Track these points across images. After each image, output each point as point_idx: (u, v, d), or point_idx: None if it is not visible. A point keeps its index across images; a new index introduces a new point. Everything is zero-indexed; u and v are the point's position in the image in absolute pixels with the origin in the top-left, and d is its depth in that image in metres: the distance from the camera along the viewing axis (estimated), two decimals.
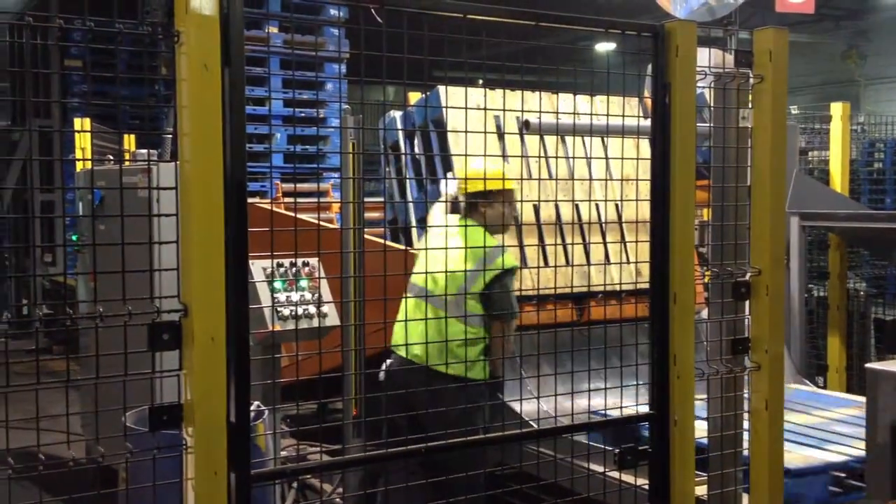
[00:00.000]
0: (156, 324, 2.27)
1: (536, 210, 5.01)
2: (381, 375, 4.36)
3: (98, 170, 6.03)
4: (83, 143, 7.19)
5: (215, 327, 2.28)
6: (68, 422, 2.23)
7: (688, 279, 2.99)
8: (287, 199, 7.45)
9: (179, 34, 2.21)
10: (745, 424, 3.24)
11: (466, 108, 2.94)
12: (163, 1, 2.16)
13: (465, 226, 4.34)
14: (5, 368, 2.28)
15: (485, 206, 4.41)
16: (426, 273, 4.08)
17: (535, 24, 2.74)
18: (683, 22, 2.94)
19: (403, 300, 4.07)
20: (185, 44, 2.21)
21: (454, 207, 4.63)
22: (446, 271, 3.46)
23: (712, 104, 3.20)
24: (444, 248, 3.62)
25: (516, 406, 4.14)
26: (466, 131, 2.96)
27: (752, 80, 3.14)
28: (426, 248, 3.65)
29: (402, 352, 4.30)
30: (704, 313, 4.35)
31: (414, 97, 6.29)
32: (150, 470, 2.35)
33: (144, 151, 5.31)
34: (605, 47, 17.08)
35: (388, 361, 4.43)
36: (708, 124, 3.33)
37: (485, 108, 3.24)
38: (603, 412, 3.35)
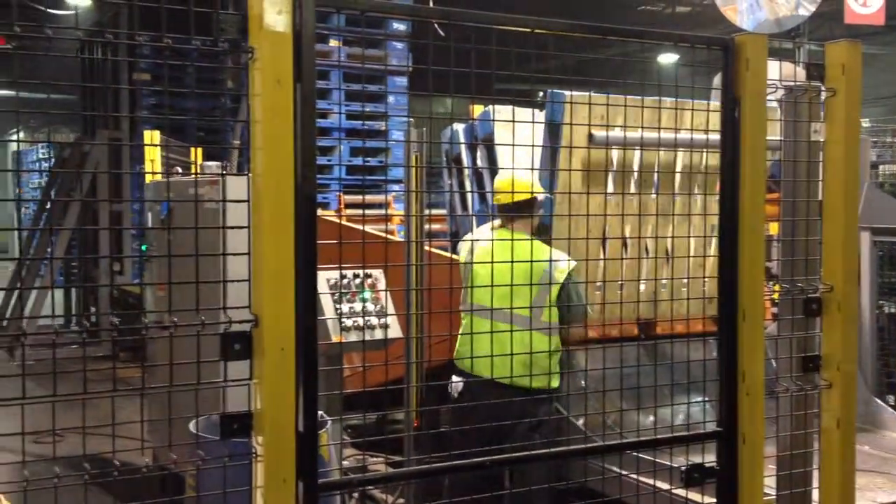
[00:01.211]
0: (228, 334, 2.31)
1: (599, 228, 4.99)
2: (453, 392, 4.38)
3: (166, 182, 6.16)
4: (152, 156, 7.35)
5: (285, 338, 2.31)
6: (143, 429, 2.27)
7: (757, 295, 2.95)
8: (350, 212, 7.52)
9: (253, 50, 2.25)
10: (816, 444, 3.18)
11: (527, 123, 2.94)
12: (237, 18, 2.19)
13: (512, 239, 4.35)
14: (82, 375, 2.33)
15: (528, 216, 4.50)
16: (487, 287, 4.08)
17: (603, 37, 2.74)
18: (754, 35, 2.92)
19: (468, 316, 4.11)
20: (258, 60, 2.25)
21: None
22: (521, 284, 3.46)
23: (783, 117, 3.15)
24: (509, 261, 3.62)
25: (578, 420, 4.12)
26: (533, 145, 2.96)
27: (823, 94, 3.09)
28: (491, 262, 3.62)
29: (472, 369, 4.29)
30: (770, 329, 4.29)
31: (477, 110, 6.31)
32: (215, 477, 2.38)
33: (213, 164, 5.40)
34: (667, 58, 16.97)
35: (458, 380, 4.42)
36: (777, 137, 3.28)
37: (533, 122, 3.23)
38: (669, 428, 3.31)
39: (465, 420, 3.52)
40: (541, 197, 4.60)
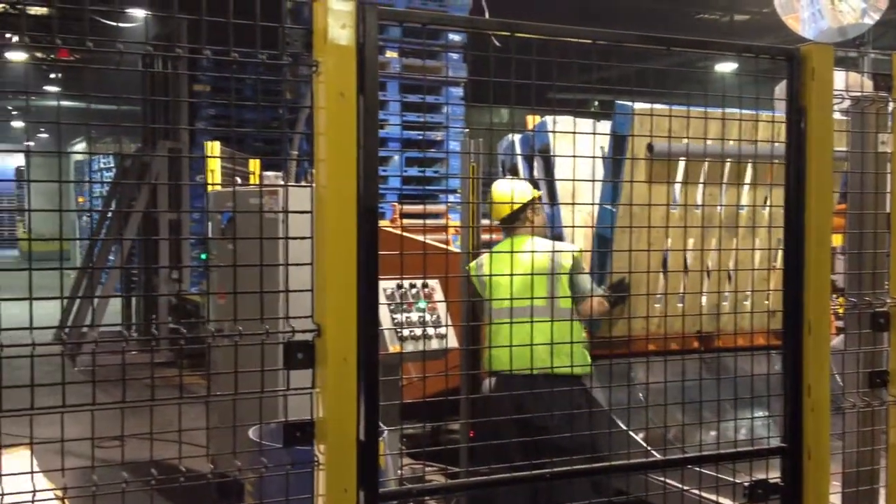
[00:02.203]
0: (291, 343, 2.33)
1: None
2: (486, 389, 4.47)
3: (227, 191, 6.25)
4: (212, 166, 7.46)
5: (347, 347, 2.33)
6: (208, 437, 2.31)
7: (823, 308, 2.90)
8: (405, 222, 7.55)
9: (318, 64, 2.28)
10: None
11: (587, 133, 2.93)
12: (302, 32, 2.22)
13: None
14: (142, 382, 2.37)
15: (528, 219, 4.79)
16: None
17: (666, 48, 2.72)
18: (820, 45, 2.87)
19: (497, 326, 4.19)
20: (322, 73, 2.28)
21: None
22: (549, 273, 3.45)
23: (849, 128, 3.10)
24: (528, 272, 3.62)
25: (638, 434, 4.08)
26: (595, 157, 2.94)
27: (891, 105, 3.03)
28: (511, 274, 3.75)
29: (501, 366, 4.38)
30: (835, 343, 4.21)
31: (532, 121, 6.30)
32: (275, 484, 2.40)
33: (272, 174, 5.47)
34: (724, 68, 16.78)
35: (490, 381, 4.58)
36: (843, 149, 3.23)
37: (593, 133, 3.21)
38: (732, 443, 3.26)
39: (516, 421, 3.56)
40: (527, 199, 4.83)
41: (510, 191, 4.82)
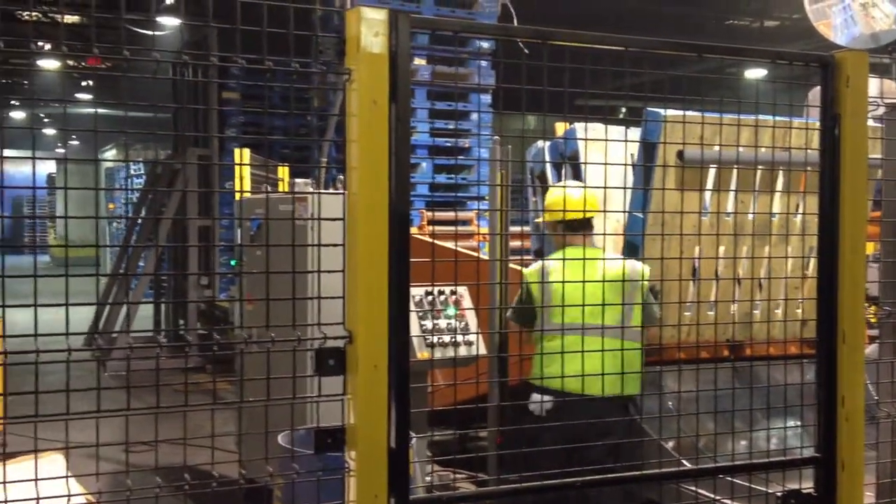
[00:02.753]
0: (323, 349, 2.34)
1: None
2: (536, 409, 4.36)
3: (256, 198, 6.28)
4: (242, 173, 7.51)
5: (379, 354, 2.33)
6: (240, 442, 2.32)
7: (858, 317, 2.87)
8: (432, 228, 7.56)
9: (350, 72, 2.29)
10: None
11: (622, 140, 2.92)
12: (334, 41, 2.23)
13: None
14: (171, 387, 2.39)
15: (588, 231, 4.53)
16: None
17: (699, 55, 2.71)
18: (854, 52, 2.84)
19: (556, 337, 4.11)
20: (355, 81, 2.29)
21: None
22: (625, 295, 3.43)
23: (884, 135, 3.07)
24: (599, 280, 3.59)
25: (668, 443, 4.06)
26: (626, 164, 2.93)
27: None
28: (584, 281, 3.53)
29: (563, 387, 4.23)
30: (867, 352, 4.16)
31: (561, 128, 6.28)
32: (303, 490, 2.41)
33: (301, 181, 5.49)
34: (753, 74, 16.67)
35: (542, 397, 4.38)
36: (878, 156, 3.20)
37: (625, 140, 3.20)
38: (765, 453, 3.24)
39: (557, 438, 3.50)
40: (600, 207, 4.59)
41: (586, 195, 4.42)
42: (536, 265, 4.69)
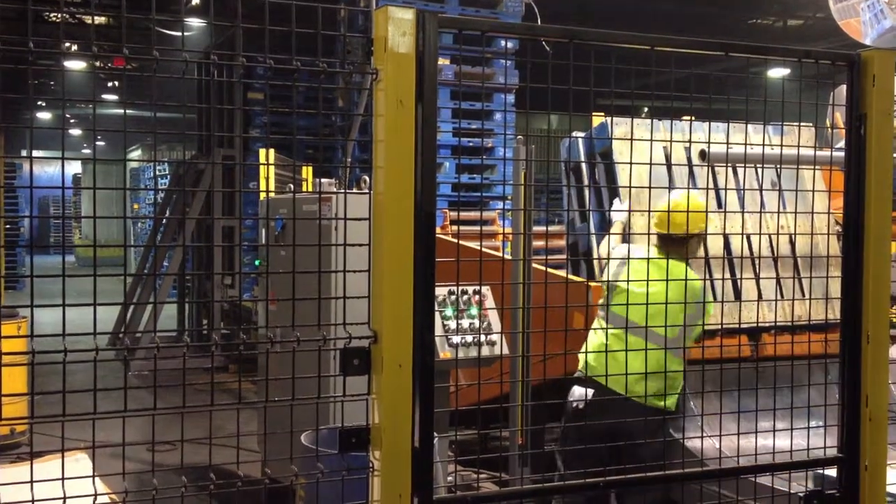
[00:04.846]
0: (348, 349, 2.36)
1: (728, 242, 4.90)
2: (579, 405, 4.37)
3: (281, 198, 6.32)
4: (266, 173, 7.54)
5: (403, 354, 2.34)
6: (264, 442, 2.33)
7: (882, 317, 2.85)
8: (454, 228, 7.57)
9: (378, 72, 2.30)
10: None
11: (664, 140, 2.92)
12: (361, 41, 2.24)
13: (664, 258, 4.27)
14: (192, 386, 2.40)
15: (688, 243, 4.42)
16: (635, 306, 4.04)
17: (725, 53, 2.70)
18: (881, 51, 2.83)
19: (603, 330, 4.13)
20: (382, 80, 2.30)
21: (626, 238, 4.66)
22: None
23: None
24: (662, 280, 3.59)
25: (689, 444, 4.04)
26: (656, 163, 2.93)
27: None
28: (646, 281, 3.47)
29: (606, 382, 4.20)
30: (891, 352, 4.13)
31: (596, 122, 6.24)
32: (327, 490, 2.42)
33: (326, 181, 5.51)
34: (776, 73, 16.57)
35: (587, 391, 4.38)
36: None
37: (650, 139, 3.20)
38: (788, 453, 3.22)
39: (590, 434, 3.52)
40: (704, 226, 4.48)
41: (701, 210, 4.34)
42: (624, 246, 4.69)
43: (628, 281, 4.19)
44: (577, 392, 4.41)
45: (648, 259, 3.62)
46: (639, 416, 3.54)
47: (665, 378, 4.07)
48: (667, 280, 3.16)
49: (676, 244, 4.39)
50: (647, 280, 3.26)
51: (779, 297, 4.96)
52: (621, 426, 3.55)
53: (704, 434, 3.96)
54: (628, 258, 4.39)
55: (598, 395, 4.28)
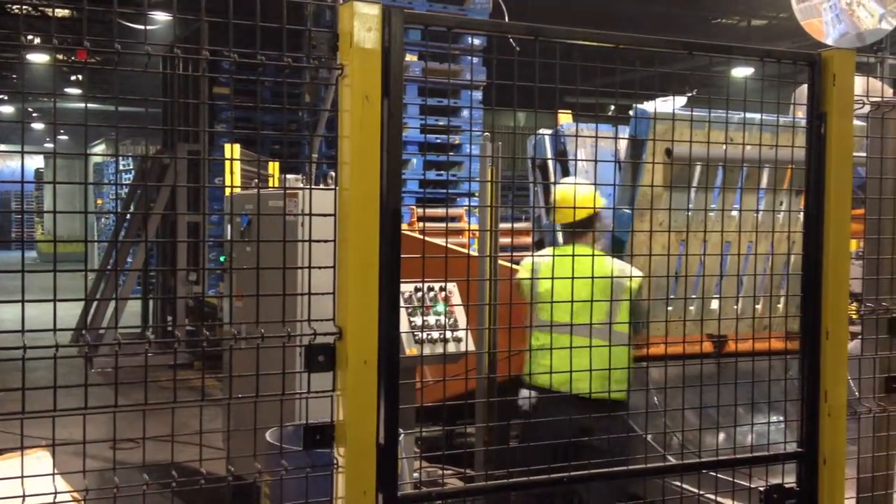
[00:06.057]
0: (313, 346, 2.35)
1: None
2: (524, 405, 4.39)
3: (246, 193, 6.28)
4: (232, 168, 7.50)
5: (368, 350, 2.34)
6: (228, 439, 2.32)
7: (842, 314, 2.90)
8: (422, 225, 7.57)
9: (343, 67, 2.30)
10: None
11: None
12: (327, 36, 2.23)
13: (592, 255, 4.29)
14: (156, 383, 2.39)
15: (591, 231, 4.50)
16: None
17: (688, 52, 2.73)
18: (841, 50, 2.87)
19: (544, 334, 4.12)
20: (348, 76, 2.30)
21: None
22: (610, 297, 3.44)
23: (868, 134, 3.10)
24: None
25: (651, 438, 4.08)
26: (639, 162, 2.95)
27: None
28: (575, 277, 3.50)
29: (551, 384, 4.23)
30: (849, 347, 4.19)
31: (563, 120, 6.27)
32: (292, 487, 2.42)
33: (292, 177, 5.49)
34: (739, 72, 16.73)
35: (530, 393, 4.40)
36: (863, 154, 3.23)
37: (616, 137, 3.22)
38: (748, 448, 3.26)
39: (542, 434, 3.50)
40: (604, 211, 4.57)
41: (590, 194, 4.32)
42: (527, 261, 4.71)
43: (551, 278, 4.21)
44: (524, 394, 4.46)
45: (554, 257, 3.58)
46: (588, 411, 3.55)
47: (609, 371, 4.04)
48: (573, 269, 3.11)
49: (580, 233, 4.53)
50: (553, 277, 3.18)
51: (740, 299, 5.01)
52: (574, 422, 3.57)
53: (668, 430, 3.99)
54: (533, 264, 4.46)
55: (542, 394, 4.32)
